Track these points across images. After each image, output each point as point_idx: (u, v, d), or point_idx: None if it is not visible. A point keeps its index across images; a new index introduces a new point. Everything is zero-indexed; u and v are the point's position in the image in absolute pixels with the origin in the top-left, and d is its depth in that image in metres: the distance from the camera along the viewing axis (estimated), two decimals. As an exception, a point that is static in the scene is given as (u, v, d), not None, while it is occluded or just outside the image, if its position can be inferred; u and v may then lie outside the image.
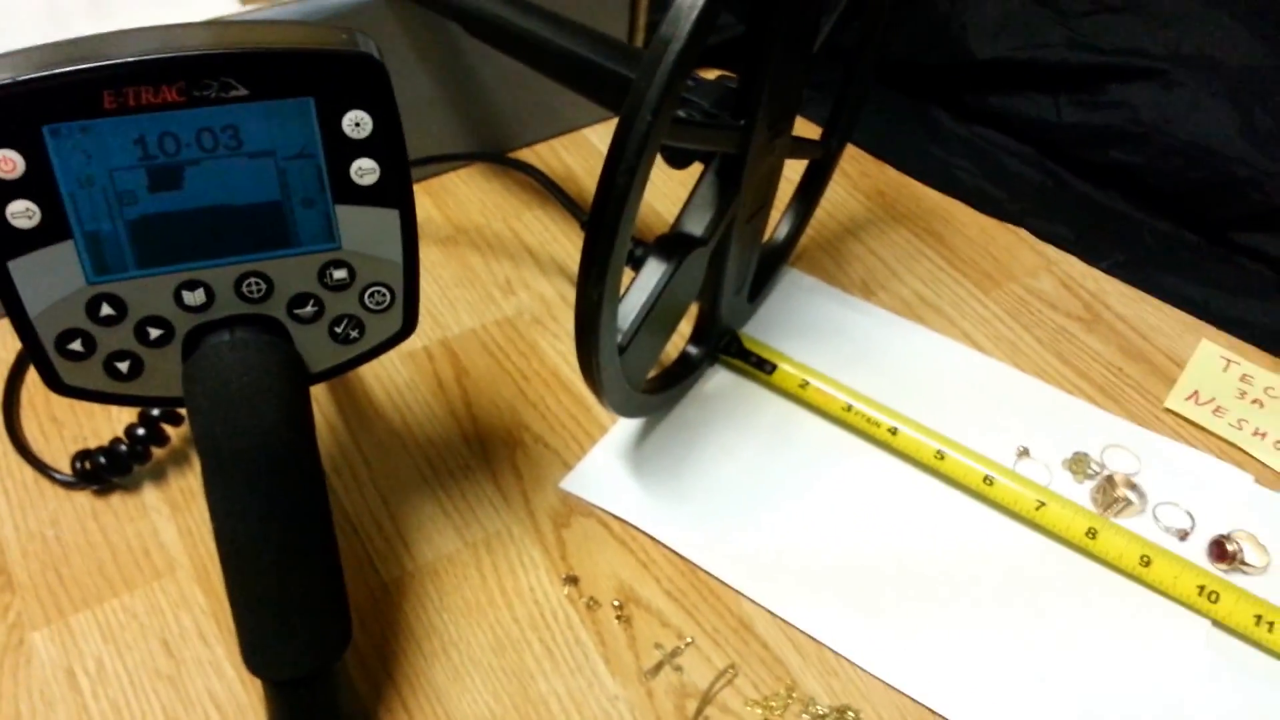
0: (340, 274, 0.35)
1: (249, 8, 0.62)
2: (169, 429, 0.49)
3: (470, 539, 0.48)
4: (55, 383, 0.34)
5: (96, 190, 0.32)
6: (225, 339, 0.35)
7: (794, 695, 0.43)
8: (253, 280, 0.34)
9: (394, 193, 0.35)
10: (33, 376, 0.53)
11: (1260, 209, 0.62)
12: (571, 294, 0.59)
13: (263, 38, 0.32)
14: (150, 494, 0.49)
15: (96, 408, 0.52)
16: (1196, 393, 0.56)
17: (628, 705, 0.43)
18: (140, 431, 0.48)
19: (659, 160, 0.48)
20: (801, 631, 0.45)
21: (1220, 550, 0.48)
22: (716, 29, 0.34)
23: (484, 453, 0.51)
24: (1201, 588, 0.46)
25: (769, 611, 0.46)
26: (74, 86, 0.30)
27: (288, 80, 0.32)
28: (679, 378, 0.53)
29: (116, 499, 0.49)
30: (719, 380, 0.56)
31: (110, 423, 0.51)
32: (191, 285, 0.34)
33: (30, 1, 0.61)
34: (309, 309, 0.36)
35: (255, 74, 0.31)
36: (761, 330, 0.58)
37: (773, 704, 0.43)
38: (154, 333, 0.34)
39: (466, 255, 0.62)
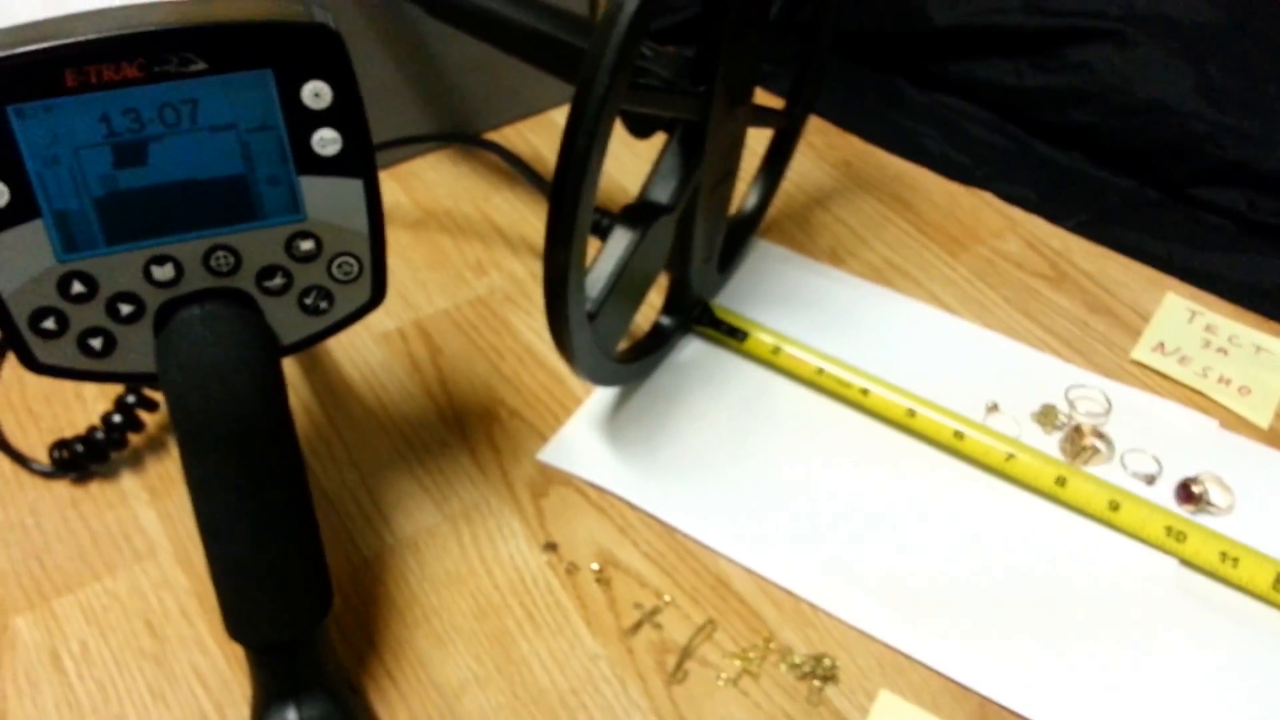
0: (307, 245, 0.36)
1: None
2: (145, 415, 0.49)
3: (449, 512, 0.49)
4: (31, 361, 0.35)
5: (63, 168, 0.32)
6: (196, 313, 0.35)
7: (771, 646, 0.44)
8: (220, 254, 0.35)
9: (357, 162, 0.35)
10: (8, 370, 0.53)
11: (1218, 163, 0.63)
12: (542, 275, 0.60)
13: (219, 12, 0.33)
14: (129, 481, 0.49)
15: (71, 399, 0.52)
16: (1162, 344, 0.57)
17: (609, 662, 0.43)
18: (117, 419, 0.48)
19: (625, 136, 0.49)
20: (778, 586, 0.46)
21: (1186, 492, 0.49)
22: (676, 8, 0.35)
23: (461, 428, 0.52)
24: (1169, 528, 0.47)
25: (745, 568, 0.47)
26: (36, 66, 0.31)
27: (245, 53, 0.32)
28: (652, 348, 0.54)
29: (95, 487, 0.49)
30: (692, 350, 0.56)
31: (86, 413, 0.52)
32: (160, 260, 0.34)
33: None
34: (277, 281, 0.36)
35: (213, 48, 0.32)
36: (733, 300, 0.58)
37: (751, 655, 0.44)
38: (125, 309, 0.35)
39: (437, 238, 0.62)
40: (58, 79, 0.31)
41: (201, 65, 0.32)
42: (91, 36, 0.31)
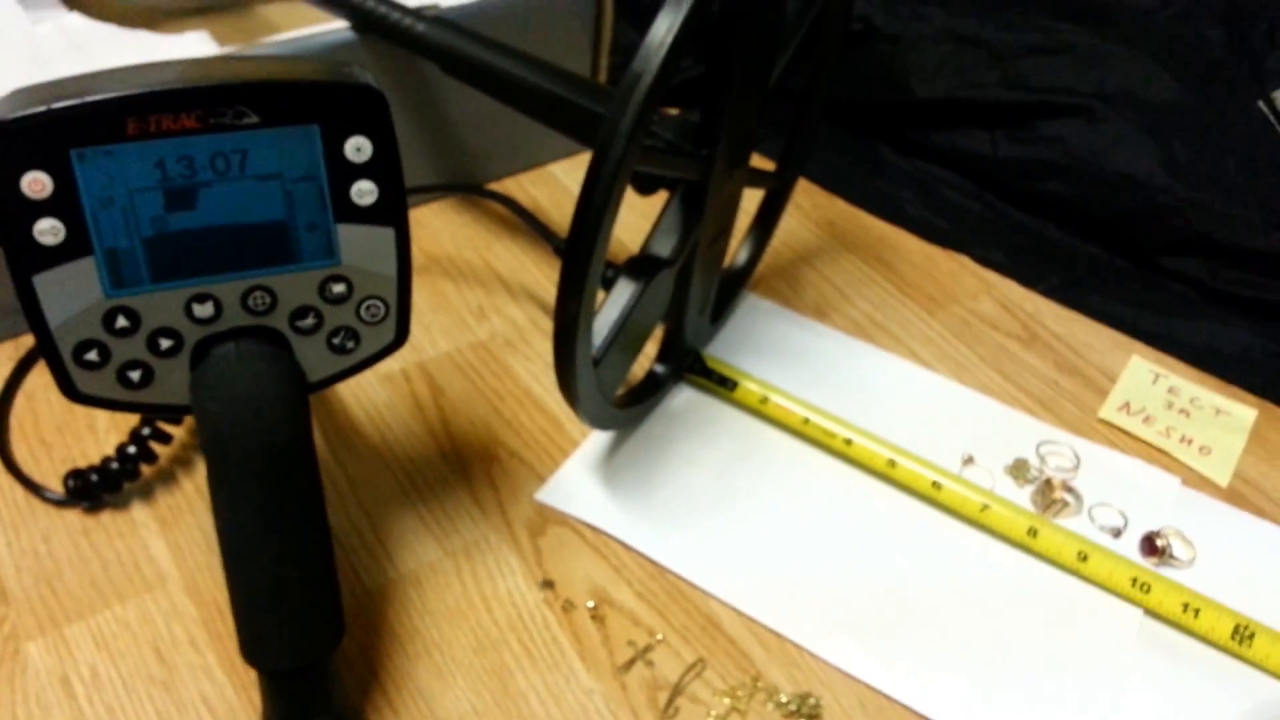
0: (339, 288, 0.38)
1: (226, 49, 0.65)
2: (157, 447, 0.51)
3: (450, 548, 0.50)
4: (71, 391, 0.37)
5: (117, 210, 0.34)
6: (231, 349, 0.37)
7: (759, 685, 0.46)
8: (259, 294, 0.37)
9: (390, 212, 0.38)
10: (22, 400, 0.55)
11: (1182, 234, 0.67)
12: (542, 320, 0.62)
13: (272, 71, 0.35)
14: (139, 511, 0.51)
15: (84, 430, 0.54)
16: (1128, 404, 0.60)
17: (603, 698, 0.45)
18: (131, 449, 0.50)
19: (627, 191, 0.51)
20: (765, 627, 0.48)
21: (1150, 546, 0.52)
22: (678, 69, 0.37)
23: (461, 468, 0.54)
24: (1134, 580, 0.50)
25: (734, 609, 0.49)
26: (101, 114, 0.33)
27: (295, 109, 0.35)
28: (647, 394, 0.57)
29: (106, 516, 0.50)
30: (684, 397, 0.59)
31: (98, 444, 0.53)
32: (201, 299, 0.37)
33: (13, 46, 0.64)
34: (309, 321, 0.38)
35: (266, 103, 0.34)
36: (723, 350, 0.61)
37: (739, 693, 0.45)
38: (165, 343, 0.37)
39: (440, 283, 0.64)
40: (120, 126, 0.33)
41: (254, 119, 0.34)
42: (155, 89, 0.33)
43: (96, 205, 0.34)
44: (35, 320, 0.35)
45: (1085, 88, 0.70)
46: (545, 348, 0.60)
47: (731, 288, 0.63)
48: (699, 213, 0.50)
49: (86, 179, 0.34)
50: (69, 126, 0.33)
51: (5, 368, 0.55)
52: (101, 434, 0.54)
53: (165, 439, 0.51)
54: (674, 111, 0.52)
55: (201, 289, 0.36)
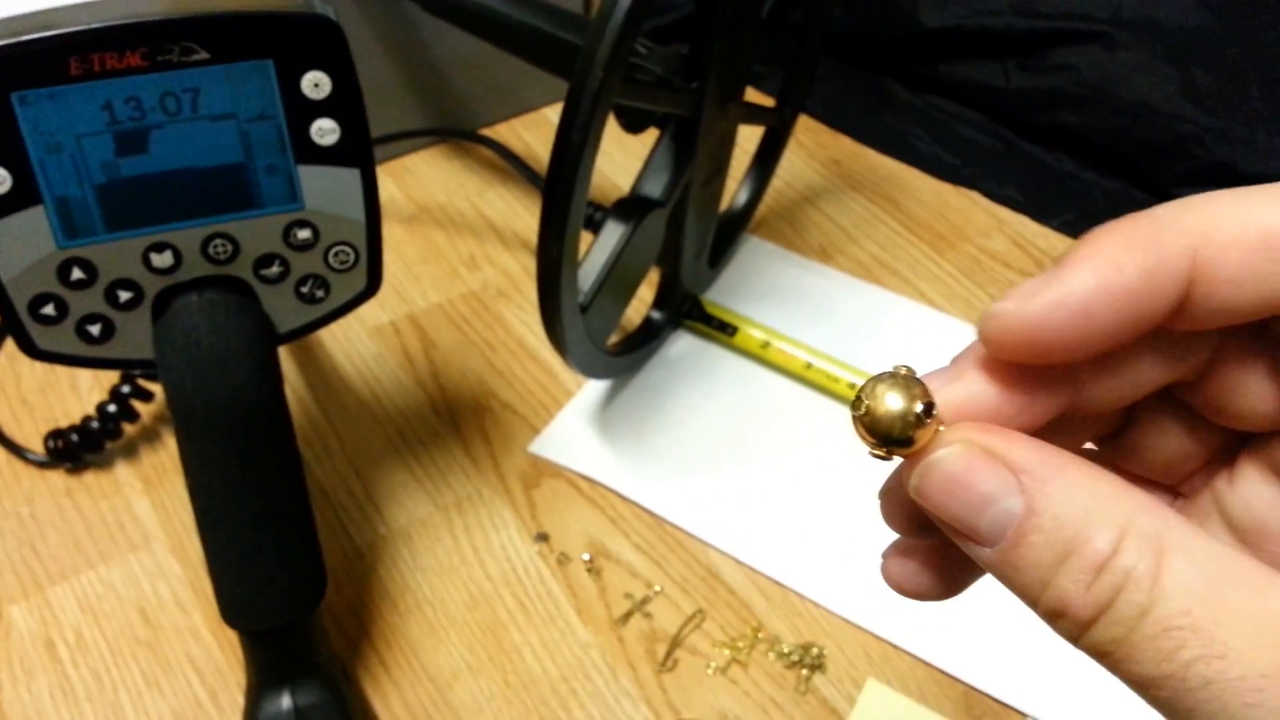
0: (304, 234, 0.36)
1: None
2: (140, 405, 0.49)
3: (442, 503, 0.49)
4: (30, 347, 0.35)
5: (65, 156, 0.33)
6: (194, 300, 0.36)
7: (760, 636, 0.44)
8: (219, 242, 0.35)
9: (354, 152, 0.36)
10: (1, 362, 0.53)
11: (1202, 164, 0.64)
12: (535, 268, 0.61)
13: (221, 3, 0.33)
14: (123, 471, 0.50)
15: (66, 390, 0.53)
16: (1145, 342, 0.58)
17: (599, 651, 0.44)
18: (112, 409, 0.48)
19: (617, 132, 0.49)
20: (766, 576, 0.46)
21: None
22: (671, 7, 0.35)
23: (453, 421, 0.53)
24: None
25: (735, 559, 0.47)
26: (40, 54, 0.31)
27: (247, 43, 0.33)
28: (643, 342, 0.55)
29: (90, 477, 0.49)
30: (682, 344, 0.57)
31: (81, 404, 0.52)
32: (159, 248, 0.35)
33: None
34: (275, 269, 0.37)
35: (215, 37, 0.32)
36: (723, 295, 0.59)
37: (740, 644, 0.44)
38: (124, 295, 0.35)
39: (430, 233, 0.62)
40: (61, 67, 0.31)
41: (203, 55, 0.32)
42: (95, 25, 0.31)
43: (43, 151, 0.32)
44: (-14, 274, 0.33)
45: (1101, 13, 0.67)
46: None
47: (731, 230, 0.61)
48: (690, 150, 0.48)
49: (30, 124, 0.32)
50: (8, 68, 0.31)
51: (-16, 330, 0.54)
52: (84, 392, 0.52)
53: (147, 396, 0.49)
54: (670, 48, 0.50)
55: (159, 237, 0.35)
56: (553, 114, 0.72)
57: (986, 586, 0.46)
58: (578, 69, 0.37)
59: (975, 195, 0.68)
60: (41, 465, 0.49)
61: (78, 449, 0.48)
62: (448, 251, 0.61)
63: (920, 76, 0.74)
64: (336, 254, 0.37)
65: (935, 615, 0.45)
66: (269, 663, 0.39)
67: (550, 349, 0.50)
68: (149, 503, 0.48)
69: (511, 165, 0.63)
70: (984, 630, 0.45)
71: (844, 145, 0.71)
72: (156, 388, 0.50)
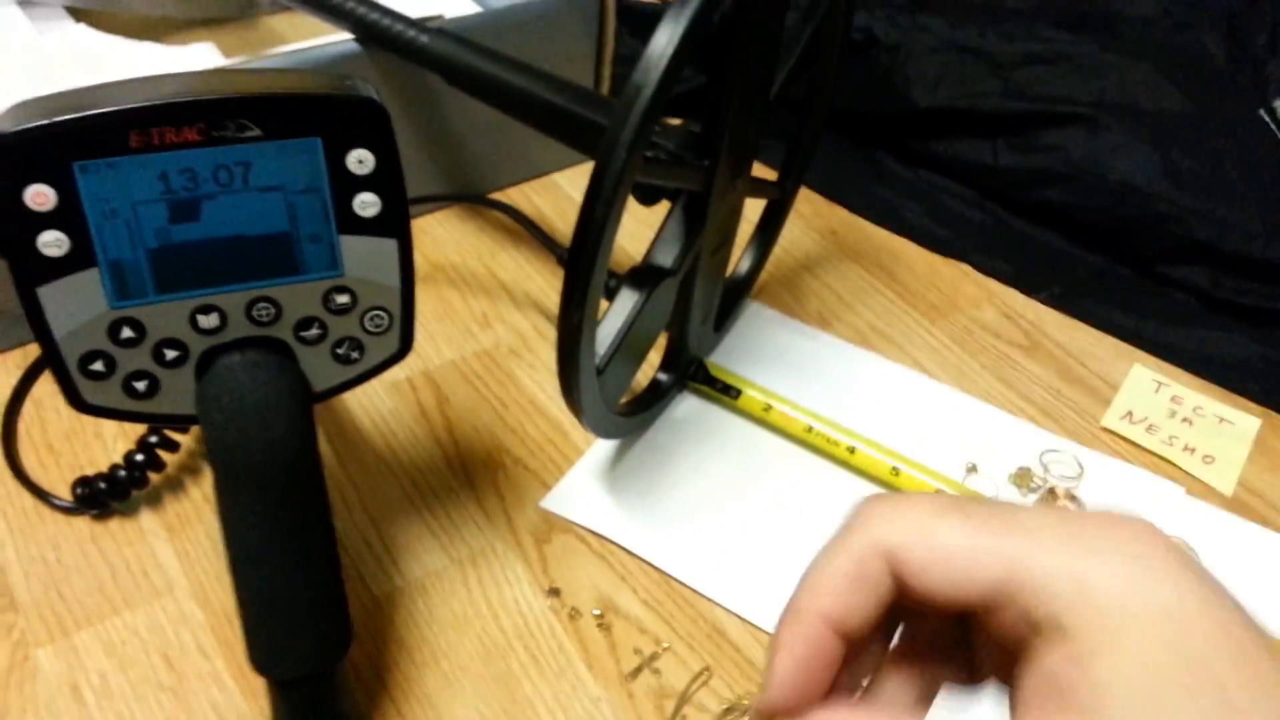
0: (343, 299, 0.38)
1: (231, 61, 0.65)
2: (166, 455, 0.51)
3: (456, 556, 0.51)
4: (77, 401, 0.37)
5: (120, 222, 0.35)
6: (237, 359, 0.38)
7: (764, 691, 0.46)
8: (263, 305, 0.37)
9: (393, 223, 0.38)
10: (30, 408, 0.55)
11: (1182, 243, 0.67)
12: (546, 328, 0.63)
13: (274, 83, 0.36)
14: (147, 519, 0.51)
15: (91, 438, 0.54)
16: (1130, 412, 0.60)
17: (610, 706, 0.45)
18: (139, 458, 0.50)
19: (630, 200, 0.52)
20: (769, 634, 0.48)
21: (1153, 553, 0.52)
22: (679, 80, 0.38)
23: (467, 475, 0.54)
24: (1137, 587, 0.50)
25: (739, 617, 0.49)
26: (103, 127, 0.33)
27: (298, 122, 0.35)
28: (650, 403, 0.57)
29: (115, 524, 0.51)
30: (688, 405, 0.59)
31: (106, 452, 0.54)
32: (206, 310, 0.37)
33: (18, 57, 0.64)
34: (314, 331, 0.39)
35: (268, 116, 0.35)
36: (727, 358, 0.61)
37: (745, 701, 0.46)
38: (170, 354, 0.37)
39: (445, 292, 0.65)
40: (122, 139, 0.34)
41: (256, 131, 0.35)
42: (156, 102, 0.34)
43: (100, 217, 0.34)
44: (40, 332, 0.35)
45: (1086, 97, 0.71)
46: (549, 356, 0.61)
47: (734, 296, 0.63)
48: (701, 222, 0.50)
49: (89, 191, 0.34)
50: (72, 139, 0.33)
51: (13, 375, 0.55)
52: (109, 441, 0.54)
53: (173, 447, 0.51)
54: (676, 122, 0.52)
55: (206, 300, 0.37)
56: (562, 179, 0.74)
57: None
58: (602, 150, 0.39)
59: (966, 267, 0.70)
60: (68, 511, 0.51)
61: (104, 496, 0.50)
62: (461, 310, 0.64)
63: (913, 152, 0.78)
64: (372, 318, 0.39)
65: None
66: (295, 712, 0.40)
67: (560, 407, 0.52)
68: (173, 550, 0.50)
69: (525, 229, 0.66)
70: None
71: (841, 216, 0.74)
72: (183, 439, 0.52)
